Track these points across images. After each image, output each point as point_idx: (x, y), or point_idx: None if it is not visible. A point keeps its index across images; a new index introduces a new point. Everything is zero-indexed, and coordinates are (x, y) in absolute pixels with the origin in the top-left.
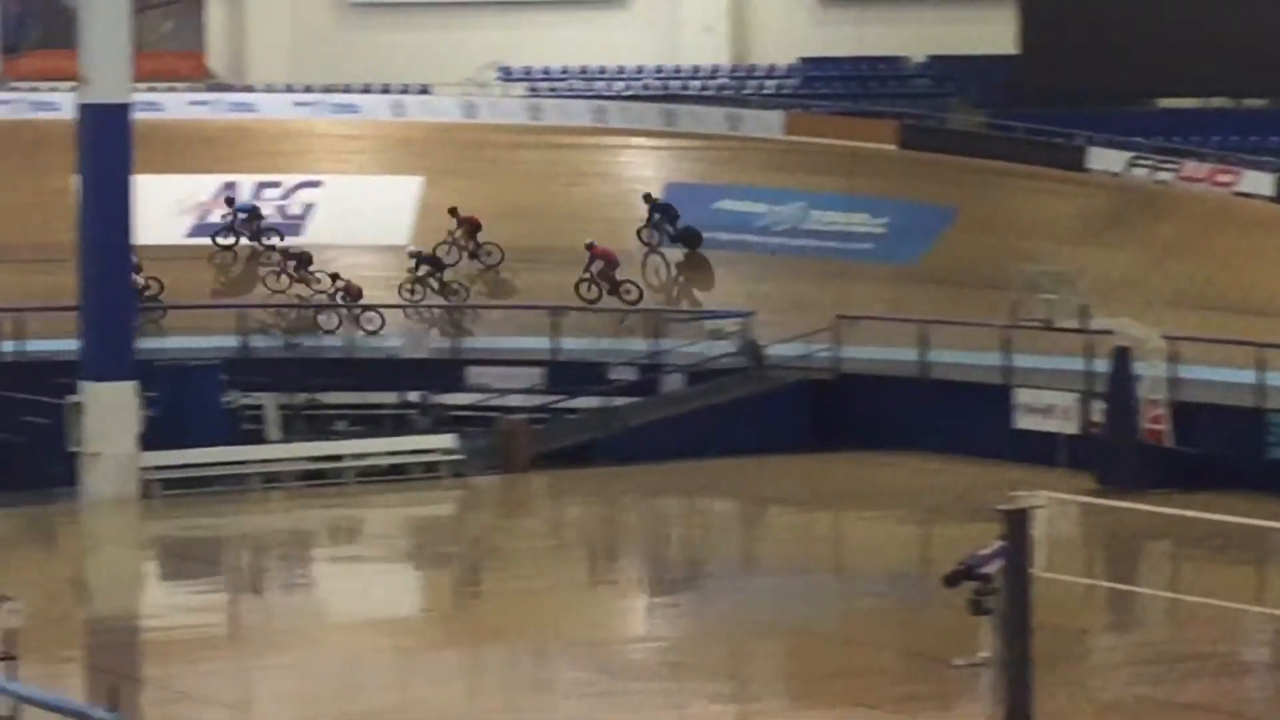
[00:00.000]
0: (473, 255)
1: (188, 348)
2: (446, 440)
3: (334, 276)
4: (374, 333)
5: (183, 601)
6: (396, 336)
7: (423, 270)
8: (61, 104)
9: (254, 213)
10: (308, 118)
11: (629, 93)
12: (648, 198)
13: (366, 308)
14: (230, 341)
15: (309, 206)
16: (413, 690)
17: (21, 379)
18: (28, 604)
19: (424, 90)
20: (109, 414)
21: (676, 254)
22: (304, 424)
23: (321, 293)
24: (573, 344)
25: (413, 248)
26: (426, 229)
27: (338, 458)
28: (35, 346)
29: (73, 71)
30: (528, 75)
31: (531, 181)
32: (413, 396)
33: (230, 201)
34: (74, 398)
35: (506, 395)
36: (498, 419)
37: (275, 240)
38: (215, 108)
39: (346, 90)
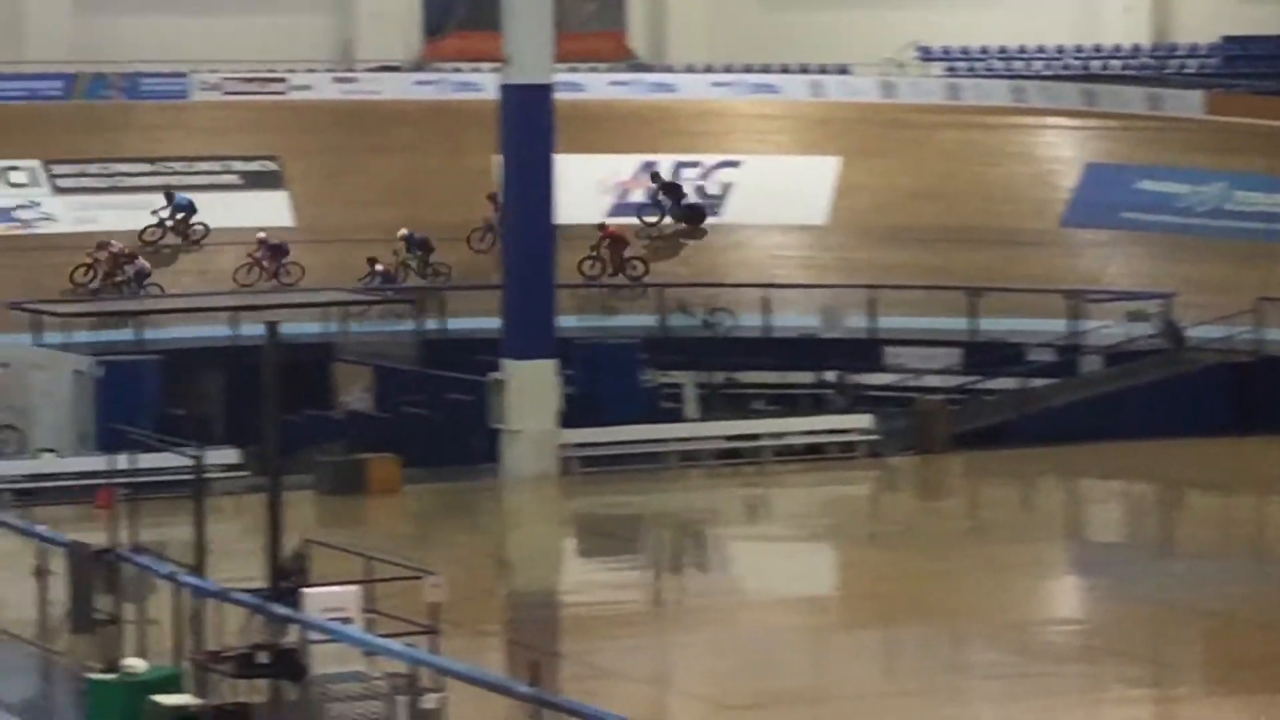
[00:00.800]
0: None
1: (607, 326)
2: (863, 420)
3: (372, 261)
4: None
5: (602, 578)
6: (815, 316)
7: (409, 254)
8: (484, 85)
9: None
10: (727, 98)
11: (1048, 72)
12: (655, 176)
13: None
14: (649, 320)
15: (727, 186)
16: (829, 670)
17: (445, 356)
18: (450, 579)
19: (843, 70)
20: (530, 391)
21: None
22: (721, 403)
23: (291, 284)
24: (991, 325)
25: (403, 231)
26: (843, 209)
27: (755, 437)
28: (457, 325)
29: (495, 52)
30: (946, 55)
31: (949, 162)
32: (829, 376)
33: (655, 177)
34: (495, 375)
35: (923, 375)
36: (915, 399)
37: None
38: (635, 88)
39: (765, 70)
